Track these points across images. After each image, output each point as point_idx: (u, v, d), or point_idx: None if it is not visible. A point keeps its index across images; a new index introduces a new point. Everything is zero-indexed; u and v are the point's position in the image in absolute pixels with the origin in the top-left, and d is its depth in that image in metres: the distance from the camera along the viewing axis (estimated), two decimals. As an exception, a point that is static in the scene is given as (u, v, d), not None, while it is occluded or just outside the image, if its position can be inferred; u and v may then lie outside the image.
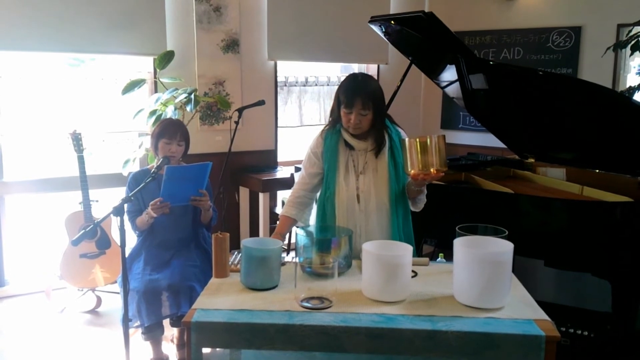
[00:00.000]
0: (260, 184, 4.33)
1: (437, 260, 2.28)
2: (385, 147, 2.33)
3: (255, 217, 4.58)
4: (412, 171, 2.13)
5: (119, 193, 3.81)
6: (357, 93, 2.21)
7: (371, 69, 5.44)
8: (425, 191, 2.35)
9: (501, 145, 3.67)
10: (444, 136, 2.14)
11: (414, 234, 2.41)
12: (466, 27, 5.27)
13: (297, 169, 3.96)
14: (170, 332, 3.09)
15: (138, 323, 2.70)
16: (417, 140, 2.12)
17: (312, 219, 2.45)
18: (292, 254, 2.32)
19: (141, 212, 2.80)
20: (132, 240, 2.90)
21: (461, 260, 1.79)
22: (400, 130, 2.40)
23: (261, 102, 3.47)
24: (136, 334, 2.97)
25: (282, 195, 4.43)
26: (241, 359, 2.20)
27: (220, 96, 4.31)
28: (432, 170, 2.11)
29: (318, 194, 2.43)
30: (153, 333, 2.82)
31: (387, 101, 3.38)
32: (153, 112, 3.76)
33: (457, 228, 1.96)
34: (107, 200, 3.62)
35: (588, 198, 2.98)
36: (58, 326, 3.50)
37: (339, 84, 2.33)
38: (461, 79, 3.18)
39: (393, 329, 1.65)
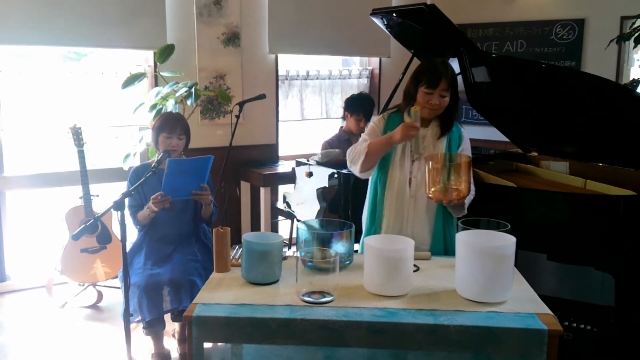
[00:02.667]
0: (261, 179, 4.32)
1: (439, 254, 2.27)
2: (444, 138, 2.34)
3: (257, 211, 4.57)
4: (431, 194, 2.15)
5: (120, 188, 3.80)
6: (442, 74, 2.23)
7: (373, 62, 5.42)
8: (465, 204, 2.32)
9: (504, 138, 3.65)
10: (469, 157, 2.15)
11: None
12: (469, 19, 5.23)
13: (298, 163, 3.93)
14: (172, 327, 3.08)
15: (139, 318, 2.69)
16: (437, 160, 2.14)
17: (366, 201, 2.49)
18: (294, 248, 2.31)
19: (142, 206, 2.79)
20: (133, 234, 2.90)
21: (463, 254, 1.78)
22: (461, 127, 2.42)
23: (262, 96, 3.45)
24: (137, 329, 2.96)
25: (283, 189, 4.41)
26: (242, 353, 2.19)
27: (221, 90, 4.29)
28: (453, 195, 2.12)
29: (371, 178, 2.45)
30: (154, 328, 2.82)
31: (389, 95, 3.40)
32: (153, 106, 3.75)
33: (459, 222, 1.95)
34: (107, 195, 3.61)
35: (591, 192, 2.96)
36: (59, 321, 3.49)
37: (417, 67, 2.34)
38: (464, 72, 3.15)
39: (395, 323, 1.64)
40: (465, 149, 2.39)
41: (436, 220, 2.33)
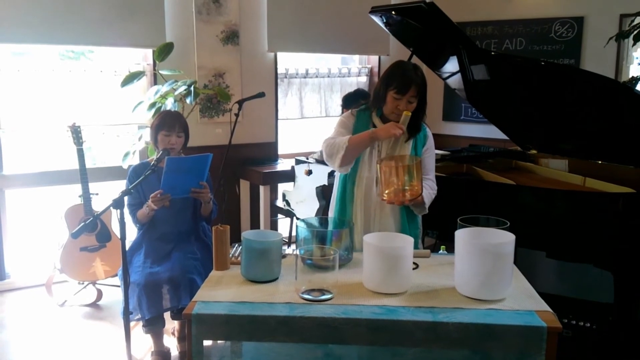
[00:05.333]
0: (260, 177, 4.32)
1: (439, 252, 2.28)
2: (411, 140, 2.37)
3: (256, 209, 4.58)
4: (385, 197, 2.18)
5: (119, 186, 3.80)
6: (413, 80, 2.24)
7: (372, 60, 5.42)
8: (425, 202, 2.36)
9: (503, 136, 3.66)
10: (418, 158, 2.19)
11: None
12: (468, 17, 5.23)
13: (298, 162, 3.94)
14: (171, 325, 3.09)
15: (139, 316, 2.69)
16: (388, 163, 2.17)
17: (333, 198, 2.51)
18: (293, 246, 2.32)
19: (142, 205, 2.79)
20: (132, 233, 2.90)
21: (462, 251, 1.78)
22: (427, 127, 2.44)
23: (261, 94, 3.45)
24: (137, 327, 2.97)
25: (283, 187, 4.42)
26: (242, 351, 2.19)
27: (220, 88, 4.29)
28: (407, 196, 2.16)
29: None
30: (154, 326, 2.82)
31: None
32: (153, 105, 3.74)
33: (458, 219, 1.95)
34: (107, 193, 3.61)
35: (590, 189, 2.97)
36: (59, 319, 3.50)
37: (388, 69, 2.33)
38: (463, 70, 3.15)
39: (394, 320, 1.64)
40: (430, 147, 2.43)
41: (402, 219, 2.38)
